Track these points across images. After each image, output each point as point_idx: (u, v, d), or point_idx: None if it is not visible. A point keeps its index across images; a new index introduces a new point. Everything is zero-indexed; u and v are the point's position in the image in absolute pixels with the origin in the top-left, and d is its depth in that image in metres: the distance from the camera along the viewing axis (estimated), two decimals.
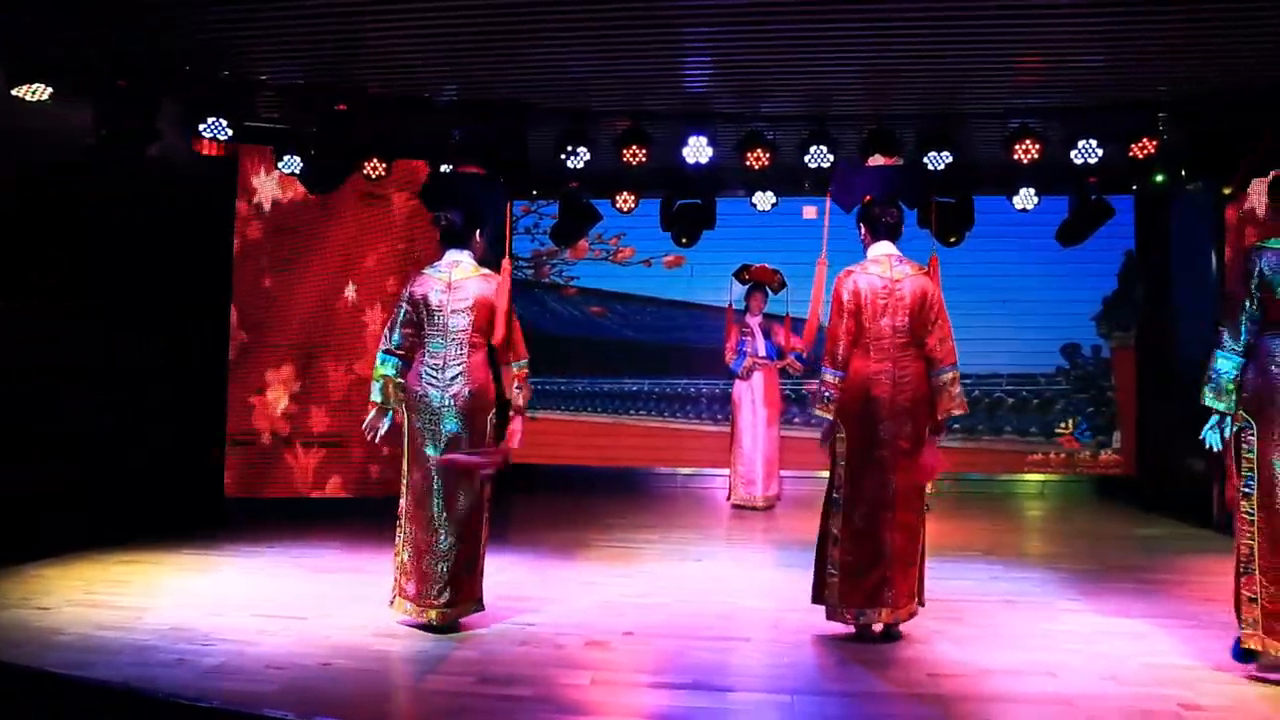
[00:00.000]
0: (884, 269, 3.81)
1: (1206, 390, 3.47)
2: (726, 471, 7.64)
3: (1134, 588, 4.87)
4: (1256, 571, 3.37)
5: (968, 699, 3.31)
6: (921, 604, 3.93)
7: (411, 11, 4.90)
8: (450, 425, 3.86)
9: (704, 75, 5.88)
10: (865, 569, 3.79)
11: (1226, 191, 6.29)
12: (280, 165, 6.38)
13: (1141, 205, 8.10)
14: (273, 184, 6.78)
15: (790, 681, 3.52)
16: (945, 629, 4.11)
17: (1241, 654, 3.45)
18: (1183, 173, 6.71)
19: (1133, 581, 5.00)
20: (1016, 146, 6.13)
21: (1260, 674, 3.43)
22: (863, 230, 3.97)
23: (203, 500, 6.47)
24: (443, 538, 3.89)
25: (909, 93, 6.10)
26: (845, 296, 3.78)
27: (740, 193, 7.63)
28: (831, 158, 6.30)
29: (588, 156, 6.36)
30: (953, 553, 5.77)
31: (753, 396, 7.40)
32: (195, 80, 5.63)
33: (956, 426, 8.34)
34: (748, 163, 6.38)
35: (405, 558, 3.99)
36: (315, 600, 4.49)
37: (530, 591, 4.77)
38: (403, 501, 4.04)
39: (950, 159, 6.30)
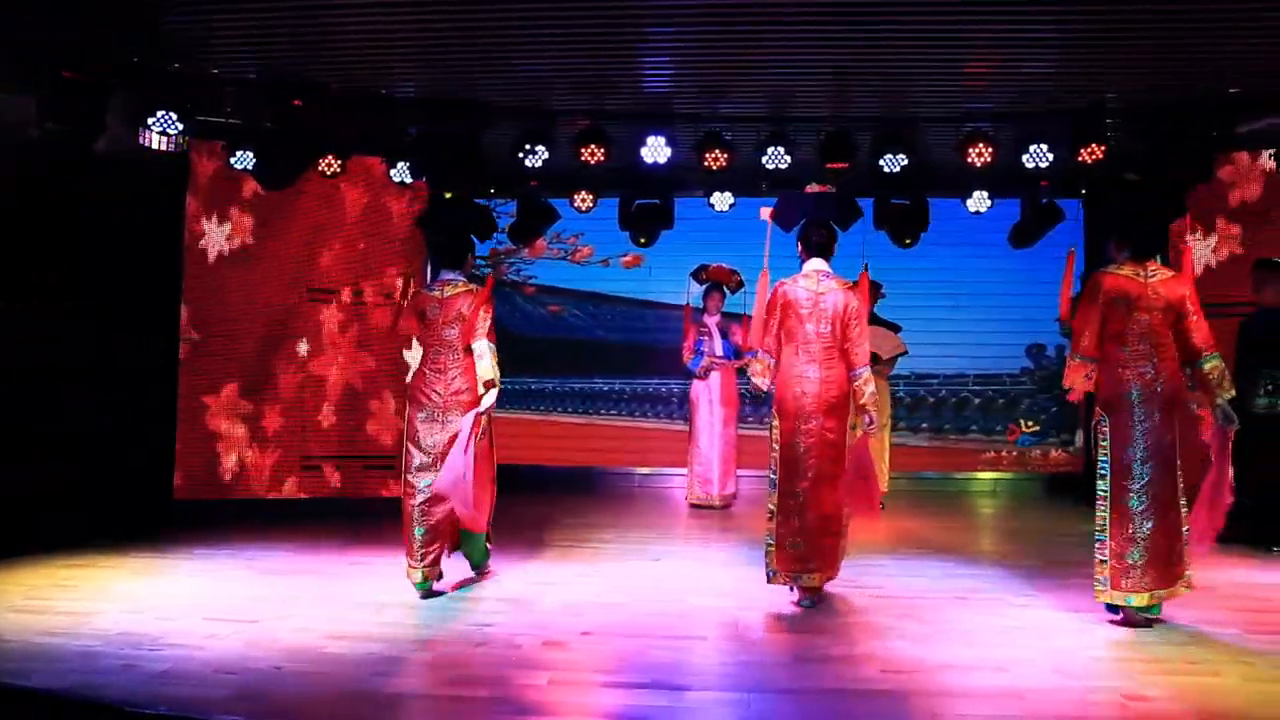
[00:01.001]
0: (812, 283, 4.42)
1: (1070, 379, 4.14)
2: (684, 471, 7.66)
3: (1081, 583, 4.94)
4: (1108, 538, 4.05)
5: (921, 694, 3.36)
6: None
7: (367, 6, 4.85)
8: (451, 417, 4.51)
9: (663, 75, 5.89)
10: (796, 540, 4.36)
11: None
12: (233, 161, 6.26)
13: (1090, 209, 8.26)
14: (225, 179, 6.65)
15: (746, 680, 3.54)
16: (899, 626, 4.16)
17: (1110, 609, 4.14)
18: (1129, 178, 6.86)
19: (1080, 577, 5.07)
20: (970, 150, 6.23)
21: (1120, 621, 4.09)
22: (799, 247, 4.57)
23: (152, 502, 6.32)
24: (437, 505, 4.50)
25: (865, 95, 6.17)
26: (775, 301, 4.42)
27: (698, 193, 7.66)
28: (789, 159, 6.35)
29: (546, 155, 6.33)
30: (907, 551, 5.85)
31: (710, 396, 7.43)
32: (144, 73, 5.50)
33: (924, 426, 8.48)
34: (706, 163, 6.40)
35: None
36: (267, 603, 4.41)
37: (488, 592, 4.75)
38: (405, 476, 4.66)
39: (905, 161, 6.38)
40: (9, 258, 5.51)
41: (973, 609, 4.47)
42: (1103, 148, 6.12)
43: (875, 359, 7.33)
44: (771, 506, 4.42)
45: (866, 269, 4.70)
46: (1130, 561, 4.00)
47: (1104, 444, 4.08)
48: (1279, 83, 5.59)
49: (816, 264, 4.48)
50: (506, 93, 6.12)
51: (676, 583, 4.97)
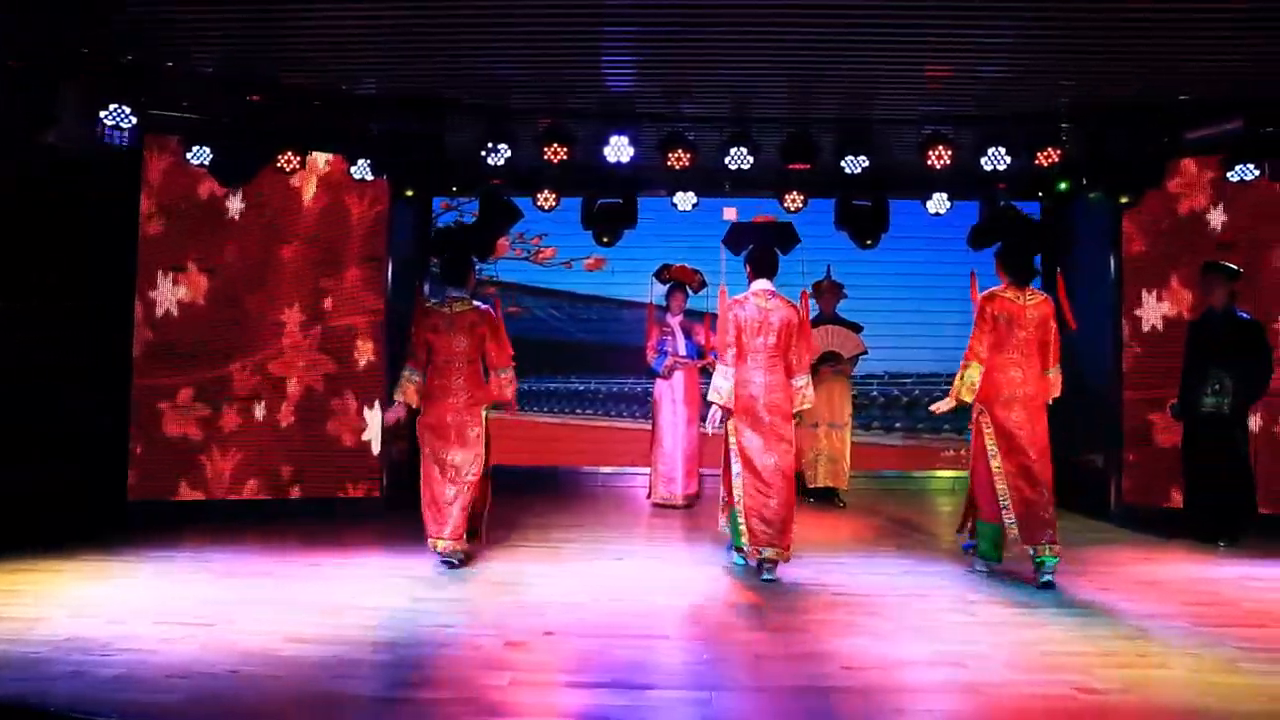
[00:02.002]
0: (761, 300, 5.05)
1: (963, 389, 4.99)
2: (647, 470, 7.67)
3: (1035, 579, 5.05)
4: (1010, 507, 4.94)
5: (882, 690, 3.40)
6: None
7: (328, 0, 4.78)
8: (459, 418, 5.14)
9: (625, 74, 5.89)
10: (762, 520, 4.96)
11: (1123, 200, 6.58)
12: (189, 156, 6.14)
13: (1047, 212, 8.40)
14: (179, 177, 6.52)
15: (708, 678, 3.56)
16: (860, 623, 4.21)
17: (972, 554, 5.19)
18: (1083, 181, 6.99)
19: (1034, 573, 5.18)
20: (930, 152, 6.30)
21: (980, 567, 5.11)
22: (748, 269, 5.20)
23: (104, 504, 6.19)
24: (449, 491, 5.14)
25: (827, 97, 6.21)
26: (729, 318, 5.03)
27: (661, 192, 7.67)
28: (752, 159, 6.38)
29: (509, 153, 6.30)
30: (867, 548, 5.91)
31: (673, 395, 7.45)
32: (96, 65, 5.38)
33: (897, 425, 8.58)
34: (669, 163, 6.41)
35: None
36: (223, 606, 4.34)
37: (450, 593, 4.71)
38: (423, 471, 5.22)
39: (867, 163, 6.44)
40: None
41: (932, 605, 4.53)
42: (1059, 152, 6.24)
43: (837, 358, 7.44)
44: (739, 492, 5.00)
45: (806, 291, 5.37)
46: (1029, 523, 4.87)
47: (988, 430, 4.99)
48: (1228, 90, 5.73)
49: (762, 284, 5.11)
50: (469, 90, 6.08)
51: (639, 582, 4.98)
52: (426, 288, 8.40)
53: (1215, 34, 4.93)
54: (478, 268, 5.53)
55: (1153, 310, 6.78)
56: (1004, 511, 4.92)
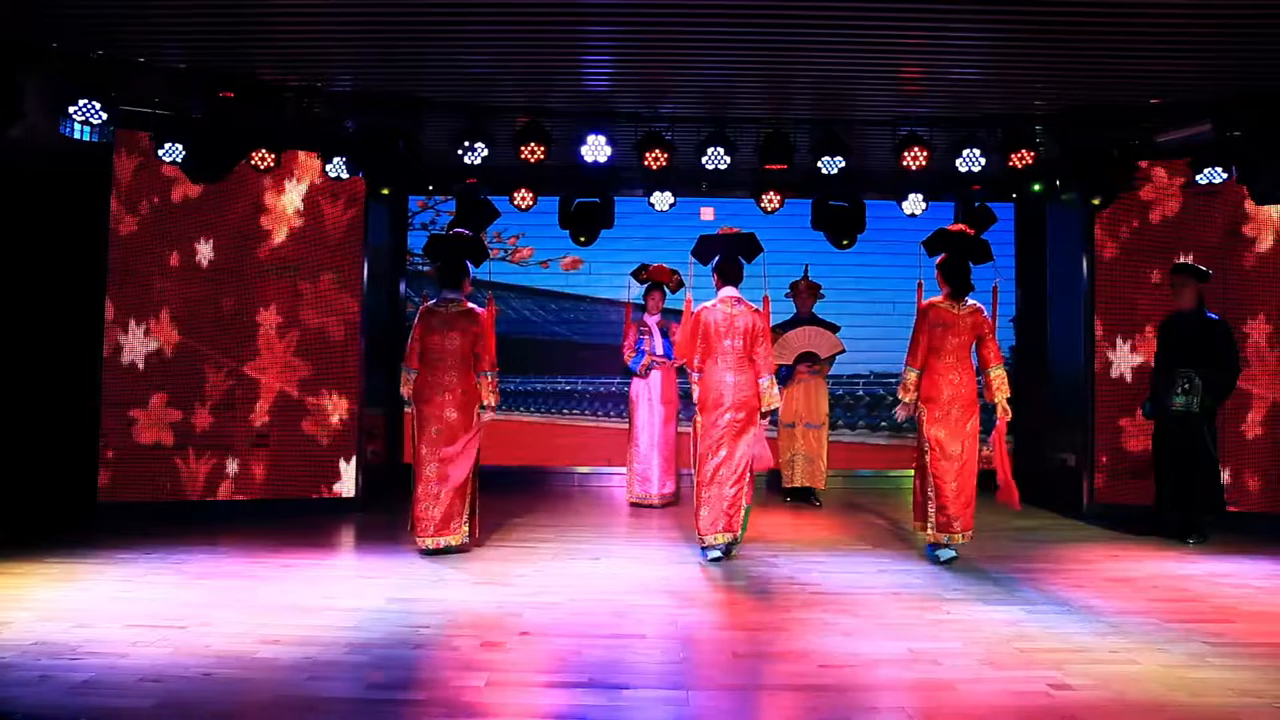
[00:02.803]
0: (727, 306, 5.39)
1: (900, 390, 5.51)
2: (624, 469, 7.67)
3: (1011, 577, 5.11)
4: (934, 494, 5.40)
5: (857, 688, 3.42)
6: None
7: None
8: (451, 415, 5.34)
9: (603, 74, 5.89)
10: (717, 507, 5.32)
11: (1095, 202, 6.66)
12: (161, 153, 6.07)
13: (1021, 213, 8.50)
14: (153, 174, 6.44)
15: (685, 677, 3.56)
16: (836, 621, 4.23)
17: (930, 549, 5.46)
18: (1057, 183, 7.07)
19: (1010, 571, 5.24)
20: (906, 154, 6.34)
21: (939, 557, 5.37)
22: (715, 278, 5.53)
23: (73, 504, 6.10)
24: (437, 489, 5.36)
25: (804, 98, 6.24)
26: (697, 322, 5.38)
27: (639, 192, 7.67)
28: (729, 160, 6.40)
29: (485, 152, 6.28)
30: (844, 548, 5.94)
31: (650, 395, 7.45)
32: (65, 60, 5.30)
33: (882, 424, 8.62)
34: (646, 162, 6.42)
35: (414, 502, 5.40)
36: (196, 608, 4.29)
37: (425, 594, 4.69)
38: (415, 465, 5.42)
39: (843, 163, 6.48)
40: None
41: (906, 604, 4.56)
42: (1032, 154, 6.30)
43: (813, 358, 7.47)
44: (698, 480, 5.37)
45: (767, 296, 5.65)
46: (949, 513, 5.37)
47: (925, 429, 5.43)
48: (1197, 95, 5.81)
49: (729, 291, 5.45)
50: (446, 88, 6.05)
51: (615, 582, 4.97)
52: (402, 286, 8.38)
53: (1184, 41, 5.00)
54: (472, 270, 5.68)
55: (1124, 359, 6.85)
56: (929, 501, 5.41)
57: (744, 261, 5.53)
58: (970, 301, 5.47)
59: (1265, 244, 6.46)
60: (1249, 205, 6.39)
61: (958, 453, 5.37)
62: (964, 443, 5.38)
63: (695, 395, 5.44)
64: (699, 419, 5.43)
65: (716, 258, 5.52)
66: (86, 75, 5.39)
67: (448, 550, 5.42)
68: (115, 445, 6.31)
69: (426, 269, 8.44)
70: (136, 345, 6.39)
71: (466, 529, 5.49)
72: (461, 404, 5.36)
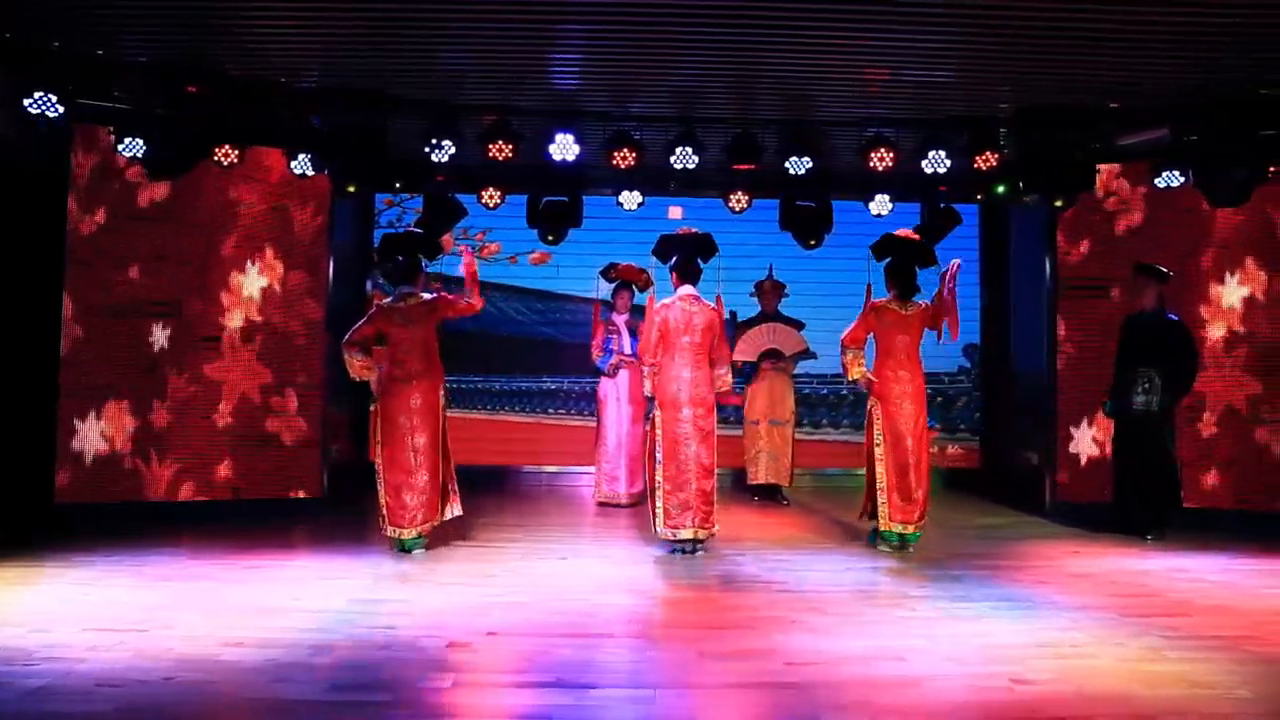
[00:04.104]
0: (686, 304, 5.58)
1: (850, 369, 5.74)
2: (592, 469, 7.66)
3: (975, 574, 5.17)
4: (885, 489, 5.63)
5: (824, 686, 3.44)
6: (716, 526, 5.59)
7: None
8: (417, 401, 5.43)
9: (573, 73, 5.87)
10: (680, 503, 5.43)
11: (1057, 204, 6.75)
12: (121, 148, 5.95)
13: (985, 214, 8.60)
14: (112, 170, 6.32)
15: (652, 676, 3.57)
16: (802, 619, 4.26)
17: (885, 536, 5.70)
18: (1020, 184, 7.16)
19: (974, 568, 5.31)
20: (872, 155, 6.39)
21: (895, 548, 5.63)
22: (674, 276, 5.72)
23: (29, 506, 5.97)
24: (420, 478, 5.43)
25: (771, 98, 6.27)
26: (656, 320, 5.56)
27: (607, 191, 7.66)
28: (697, 159, 6.42)
29: (453, 150, 6.24)
30: (810, 545, 5.98)
31: (618, 394, 7.45)
32: (19, 50, 5.19)
33: (844, 423, 8.69)
34: (614, 161, 6.41)
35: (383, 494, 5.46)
36: (157, 611, 4.22)
37: (392, 594, 4.65)
38: (378, 459, 5.48)
39: (811, 164, 6.52)
40: None
41: (872, 601, 4.61)
42: (996, 156, 6.38)
43: (778, 355, 7.51)
44: (660, 479, 5.45)
45: (721, 296, 5.76)
46: (899, 501, 5.61)
47: (877, 423, 5.69)
48: (1155, 99, 5.92)
49: (687, 289, 5.63)
50: (413, 85, 6.00)
51: (583, 581, 4.97)
52: (369, 285, 8.30)
53: (1143, 46, 5.09)
54: (425, 265, 5.80)
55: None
56: (880, 492, 5.63)
57: (701, 262, 5.74)
58: (917, 305, 5.74)
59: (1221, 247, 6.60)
60: (1208, 210, 6.50)
61: (910, 447, 5.61)
62: (915, 438, 5.64)
63: (647, 388, 5.63)
64: (657, 415, 5.56)
65: (675, 257, 5.71)
66: (43, 67, 5.28)
67: (420, 543, 5.46)
68: (73, 446, 6.19)
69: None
70: (96, 343, 6.26)
71: (452, 509, 5.62)
72: (427, 389, 5.48)
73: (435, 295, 5.68)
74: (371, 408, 5.63)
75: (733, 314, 7.95)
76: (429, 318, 5.54)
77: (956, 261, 5.72)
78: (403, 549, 5.44)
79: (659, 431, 5.53)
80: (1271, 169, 6.02)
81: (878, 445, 5.66)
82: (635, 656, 3.78)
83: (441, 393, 5.56)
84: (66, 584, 4.71)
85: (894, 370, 5.66)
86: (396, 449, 5.41)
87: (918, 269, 5.76)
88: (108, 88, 5.72)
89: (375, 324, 5.49)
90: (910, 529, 5.62)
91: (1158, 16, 4.71)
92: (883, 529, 5.68)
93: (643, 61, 5.61)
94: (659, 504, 5.47)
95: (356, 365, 5.45)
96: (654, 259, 5.82)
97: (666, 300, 5.64)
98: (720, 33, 5.08)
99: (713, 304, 5.67)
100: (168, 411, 6.46)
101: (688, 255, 5.70)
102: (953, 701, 3.31)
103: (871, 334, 5.76)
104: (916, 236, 5.87)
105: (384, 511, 5.45)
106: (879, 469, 5.65)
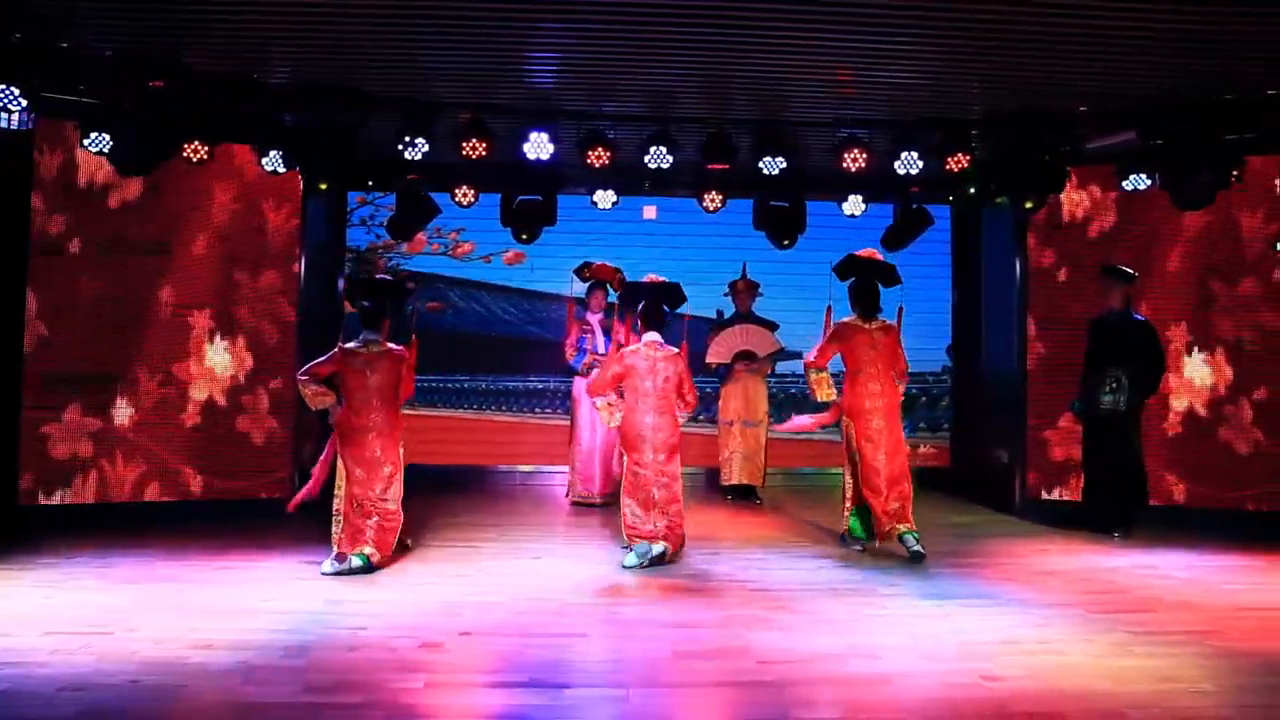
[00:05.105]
0: (650, 351, 5.58)
1: (818, 391, 5.80)
2: (566, 468, 7.65)
3: (946, 572, 5.22)
4: (851, 500, 5.75)
5: (797, 683, 3.46)
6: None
7: None
8: (376, 453, 5.25)
9: (548, 71, 5.85)
10: (647, 526, 5.43)
11: (1028, 205, 6.83)
12: (86, 143, 5.84)
13: (957, 215, 8.67)
14: (77, 167, 6.21)
15: (626, 675, 3.57)
16: (774, 618, 4.27)
17: (853, 537, 5.76)
18: (991, 186, 7.23)
19: (945, 566, 5.36)
20: (845, 155, 6.42)
21: (862, 550, 5.67)
22: (639, 322, 5.74)
23: None
24: (370, 521, 5.20)
25: (745, 98, 6.29)
26: (616, 367, 5.58)
27: (582, 190, 7.64)
28: (671, 159, 6.41)
29: (426, 148, 6.19)
30: (783, 544, 6.01)
31: None
32: None
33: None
34: (589, 160, 6.39)
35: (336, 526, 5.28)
36: (122, 613, 4.16)
37: (364, 594, 4.62)
38: (338, 502, 5.29)
39: (784, 164, 6.54)
40: None
41: (844, 599, 4.63)
42: (968, 157, 6.44)
43: (751, 356, 7.53)
44: (633, 502, 5.45)
45: (686, 344, 5.80)
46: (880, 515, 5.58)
47: (853, 437, 5.69)
48: (1123, 103, 6.00)
49: (652, 336, 5.63)
50: (386, 82, 5.95)
51: (556, 581, 4.96)
52: (340, 282, 8.23)
53: (1107, 51, 5.16)
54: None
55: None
56: (867, 496, 5.63)
57: (668, 309, 5.80)
58: (883, 320, 5.80)
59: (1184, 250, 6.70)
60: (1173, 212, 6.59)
61: (884, 460, 5.59)
62: (891, 450, 5.63)
63: (604, 419, 5.66)
64: (624, 456, 5.61)
65: (641, 303, 5.77)
66: (5, 60, 5.17)
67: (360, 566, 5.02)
68: (36, 446, 6.08)
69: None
70: (61, 341, 6.15)
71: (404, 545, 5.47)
72: (386, 443, 5.28)
73: (400, 349, 5.46)
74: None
75: (719, 312, 7.96)
76: (391, 370, 5.34)
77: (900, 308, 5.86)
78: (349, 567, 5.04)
79: (628, 468, 5.54)
80: (1235, 172, 6.12)
81: (856, 457, 5.67)
82: (609, 656, 3.78)
83: (401, 448, 5.36)
84: (28, 587, 4.63)
85: (864, 385, 5.68)
86: (352, 490, 5.21)
87: (881, 288, 5.81)
88: (73, 82, 5.62)
89: (334, 364, 5.31)
90: (906, 528, 5.50)
91: (1121, 22, 4.76)
92: (856, 530, 5.73)
93: (618, 61, 5.60)
94: (631, 519, 5.44)
95: (310, 394, 5.31)
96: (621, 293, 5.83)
97: (632, 347, 5.65)
98: (695, 32, 5.08)
99: (676, 350, 5.67)
100: (135, 411, 6.37)
101: (653, 302, 5.73)
102: (924, 698, 3.34)
103: (840, 354, 5.79)
104: (879, 256, 5.93)
105: (335, 538, 5.22)
106: (860, 478, 5.65)
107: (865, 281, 5.81)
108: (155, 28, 5.14)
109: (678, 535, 5.47)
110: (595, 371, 6.17)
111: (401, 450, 5.40)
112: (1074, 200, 6.99)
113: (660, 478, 5.45)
